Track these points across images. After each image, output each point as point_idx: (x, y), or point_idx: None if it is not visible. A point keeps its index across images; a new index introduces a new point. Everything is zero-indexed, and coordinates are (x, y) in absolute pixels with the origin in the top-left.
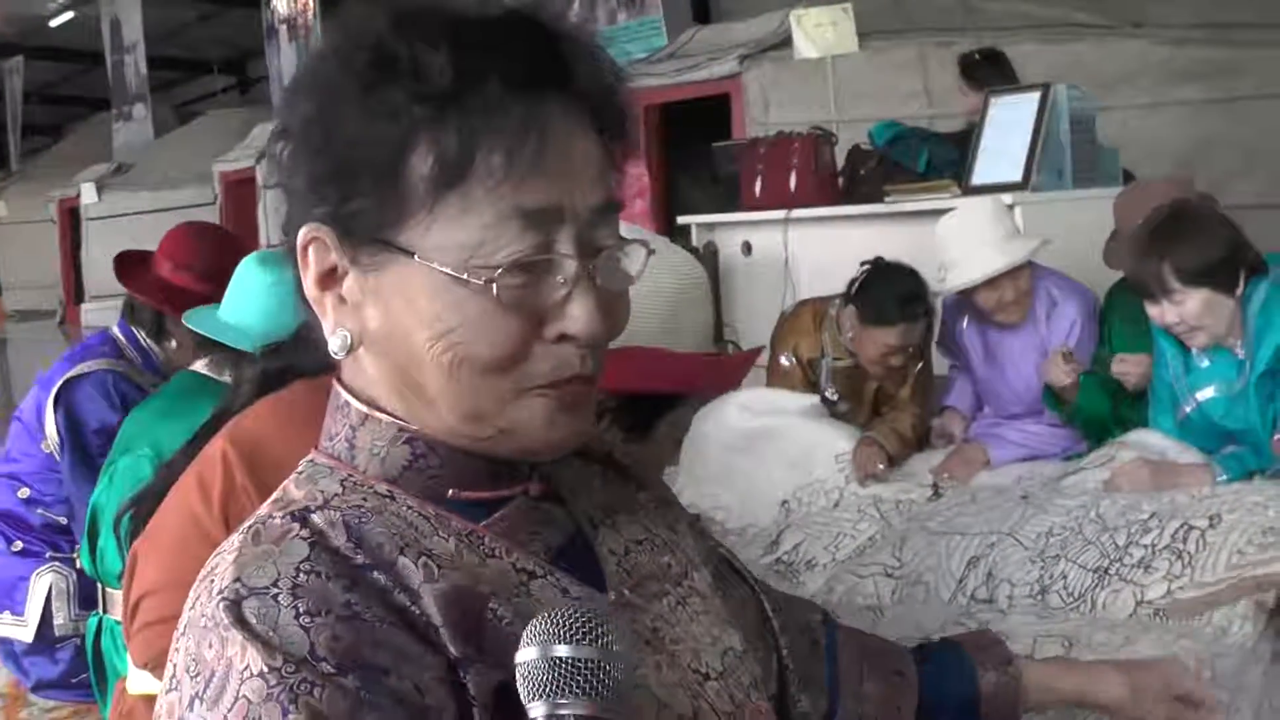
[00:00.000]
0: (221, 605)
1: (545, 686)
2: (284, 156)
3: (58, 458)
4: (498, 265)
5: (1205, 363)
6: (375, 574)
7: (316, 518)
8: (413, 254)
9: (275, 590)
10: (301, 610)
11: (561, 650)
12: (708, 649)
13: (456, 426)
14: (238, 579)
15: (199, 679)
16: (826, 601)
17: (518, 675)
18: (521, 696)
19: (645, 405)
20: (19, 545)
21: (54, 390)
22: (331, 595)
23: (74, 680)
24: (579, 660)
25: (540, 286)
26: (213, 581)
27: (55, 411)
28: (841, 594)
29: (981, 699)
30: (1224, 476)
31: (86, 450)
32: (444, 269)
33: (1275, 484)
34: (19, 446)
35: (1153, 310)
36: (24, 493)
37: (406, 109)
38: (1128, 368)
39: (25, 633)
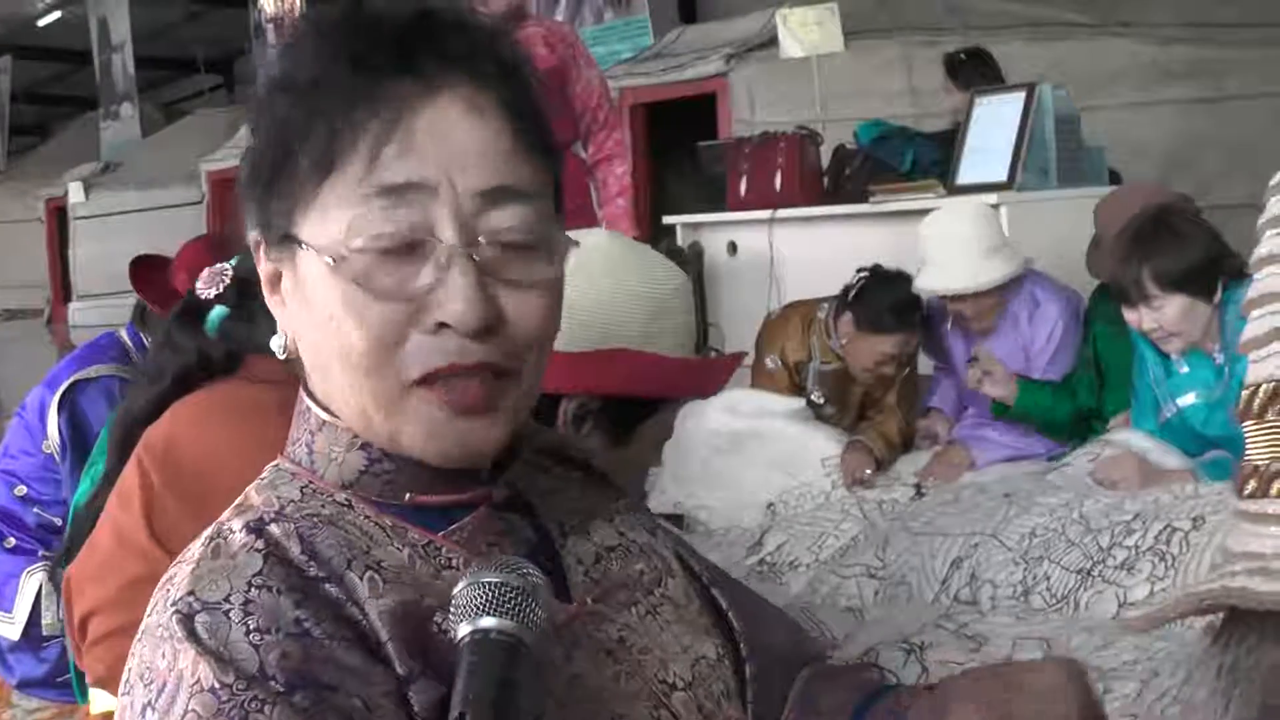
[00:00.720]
0: (175, 618)
1: (470, 607)
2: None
3: (58, 459)
4: (364, 248)
5: (1185, 368)
6: (328, 586)
7: (273, 529)
8: (302, 243)
9: (227, 606)
10: (252, 627)
11: (488, 577)
12: (677, 658)
13: (360, 429)
14: (191, 591)
15: (151, 687)
16: (809, 604)
17: (450, 611)
18: (452, 631)
19: (627, 409)
20: (11, 542)
21: (59, 392)
22: (282, 611)
23: (58, 680)
24: (504, 584)
25: (415, 271)
26: (169, 591)
27: (59, 413)
28: (824, 595)
29: None
30: (1206, 480)
31: (89, 455)
32: (323, 255)
33: None
34: (18, 444)
35: (1130, 316)
36: (20, 490)
37: (296, 105)
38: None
39: (12, 630)
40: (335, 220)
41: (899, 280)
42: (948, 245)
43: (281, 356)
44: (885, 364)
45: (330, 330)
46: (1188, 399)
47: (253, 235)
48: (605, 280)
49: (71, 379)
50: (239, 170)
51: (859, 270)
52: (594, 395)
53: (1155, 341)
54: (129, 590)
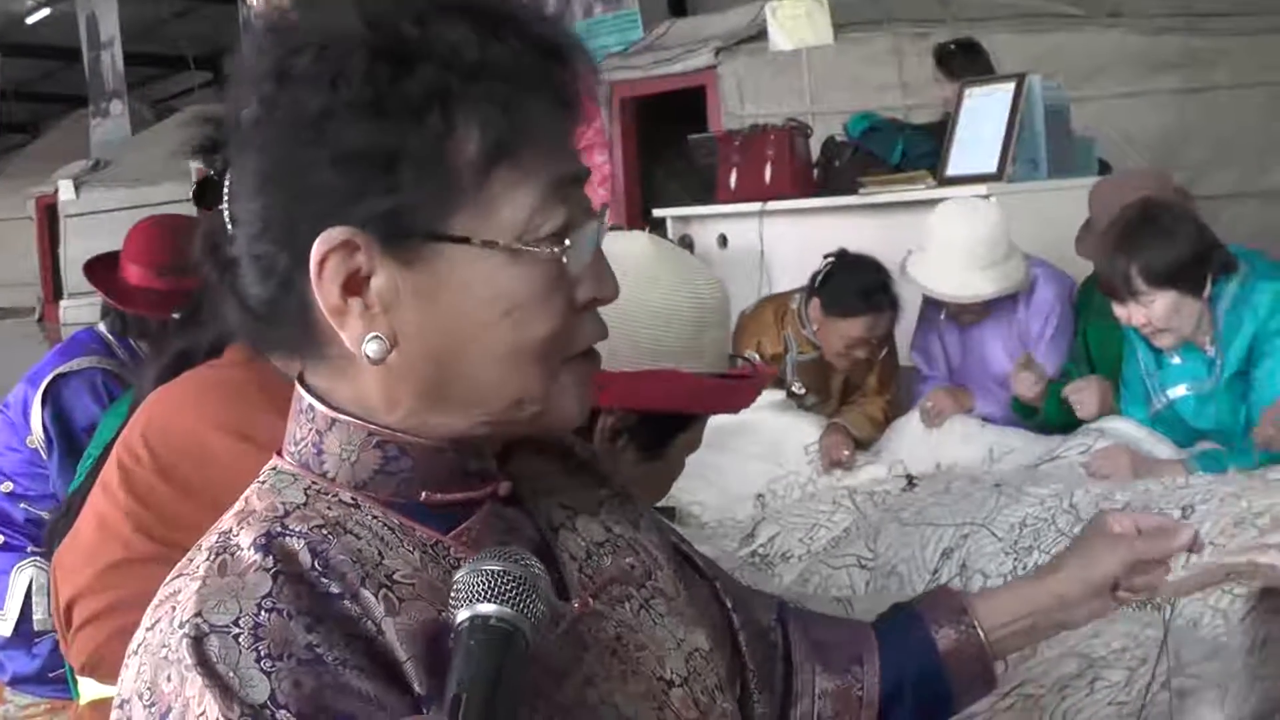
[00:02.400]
0: (185, 642)
1: (469, 593)
2: (281, 155)
3: (43, 453)
4: (548, 235)
5: (1176, 360)
6: (343, 602)
7: (282, 543)
8: (468, 240)
9: (237, 630)
10: (262, 653)
11: (489, 565)
12: (672, 653)
13: (492, 415)
14: (199, 613)
15: (153, 709)
16: (801, 594)
17: (450, 599)
18: (452, 616)
19: (664, 423)
20: (0, 539)
21: (42, 386)
22: (293, 636)
23: (50, 675)
24: (504, 572)
25: (578, 253)
26: (174, 609)
27: (43, 408)
28: (816, 585)
29: (942, 658)
30: (1198, 472)
31: (75, 447)
32: (509, 247)
33: (1249, 476)
34: (2, 440)
35: (1120, 312)
36: (7, 487)
37: (442, 88)
38: (1083, 397)
39: (4, 626)
40: (508, 212)
41: (865, 264)
42: (950, 246)
43: (379, 361)
44: (856, 347)
45: (504, 324)
46: (1178, 391)
47: (332, 236)
48: (654, 294)
49: (54, 373)
50: (274, 154)
51: (825, 256)
52: (632, 411)
53: (1147, 337)
54: (110, 574)
